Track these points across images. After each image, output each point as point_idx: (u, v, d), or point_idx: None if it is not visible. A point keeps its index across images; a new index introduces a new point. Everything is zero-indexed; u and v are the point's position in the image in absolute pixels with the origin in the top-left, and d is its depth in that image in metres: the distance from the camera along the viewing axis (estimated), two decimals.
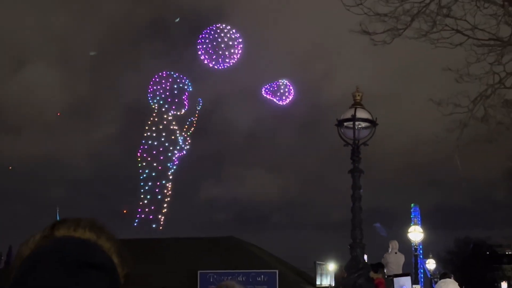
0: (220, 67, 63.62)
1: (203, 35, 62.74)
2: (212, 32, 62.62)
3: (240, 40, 63.15)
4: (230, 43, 62.06)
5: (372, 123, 12.07)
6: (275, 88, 64.72)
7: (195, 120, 63.55)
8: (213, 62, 62.43)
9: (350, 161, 11.92)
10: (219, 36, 62.17)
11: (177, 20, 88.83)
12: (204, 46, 62.43)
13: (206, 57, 62.39)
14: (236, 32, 63.34)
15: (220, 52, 61.67)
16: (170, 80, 62.08)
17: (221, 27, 63.18)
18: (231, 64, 63.44)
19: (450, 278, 13.06)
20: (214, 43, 61.89)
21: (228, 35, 62.41)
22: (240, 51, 63.19)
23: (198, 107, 64.28)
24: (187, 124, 62.66)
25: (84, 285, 1.09)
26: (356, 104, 12.05)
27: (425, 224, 52.81)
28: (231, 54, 62.30)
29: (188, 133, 62.75)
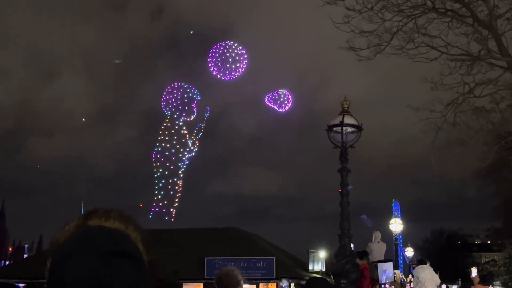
0: (227, 79, 64.06)
1: (213, 50, 63.34)
2: (221, 48, 63.10)
3: (245, 55, 63.55)
4: (237, 57, 62.46)
5: (358, 128, 12.12)
6: (276, 97, 64.81)
7: (203, 126, 63.80)
8: (221, 74, 62.87)
9: (339, 162, 12.00)
10: (227, 51, 62.62)
11: (191, 32, 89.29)
12: (214, 60, 62.85)
13: (215, 69, 62.83)
14: (242, 48, 63.82)
15: (228, 65, 62.05)
16: (181, 90, 62.44)
17: (229, 43, 63.67)
18: (237, 76, 64.00)
19: (426, 264, 13.05)
20: (223, 57, 62.34)
21: (235, 51, 62.82)
22: (245, 65, 63.62)
23: (206, 114, 64.60)
24: (196, 129, 62.99)
25: (115, 272, 1.08)
26: (344, 112, 12.10)
27: (405, 217, 52.90)
28: (237, 67, 62.74)
29: (197, 138, 62.99)
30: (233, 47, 63.27)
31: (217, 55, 62.73)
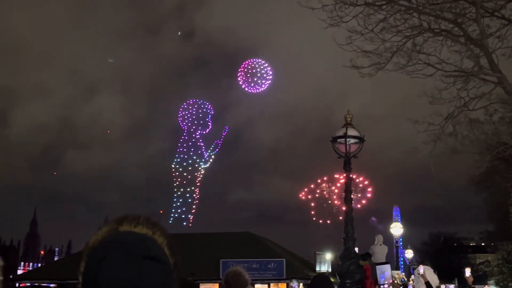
0: (253, 92, 64.94)
1: (244, 65, 64.41)
2: (251, 64, 64.14)
3: (271, 72, 64.23)
4: (264, 74, 63.27)
5: (360, 139, 12.08)
6: (251, 71, 64.97)
7: (219, 143, 64.14)
8: (248, 87, 63.78)
9: (347, 170, 11.96)
10: (254, 68, 63.54)
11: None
12: (243, 73, 63.77)
13: (244, 82, 63.74)
14: (269, 65, 64.71)
15: (255, 79, 62.76)
16: (196, 106, 62.81)
17: (258, 61, 64.77)
18: (263, 90, 64.99)
19: (427, 265, 12.93)
20: (252, 71, 63.32)
21: (263, 67, 63.75)
22: (270, 81, 64.28)
23: (224, 132, 64.87)
24: (213, 146, 63.35)
25: (147, 275, 1.10)
26: (347, 124, 12.08)
27: (405, 221, 52.47)
28: (263, 82, 63.65)
29: (213, 153, 63.25)
30: (261, 64, 64.12)
31: (246, 69, 63.69)
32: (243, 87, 65.14)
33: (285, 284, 33.53)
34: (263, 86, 63.74)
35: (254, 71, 63.64)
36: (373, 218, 46.63)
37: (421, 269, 9.48)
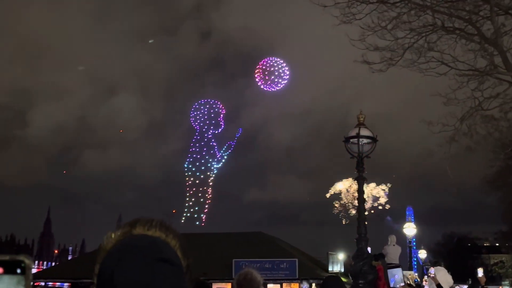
0: (270, 90, 64.48)
1: (261, 64, 63.99)
2: (267, 63, 63.76)
3: (288, 71, 63.73)
4: (281, 73, 62.78)
5: (373, 139, 12.01)
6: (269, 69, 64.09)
7: (232, 144, 64.13)
8: (266, 86, 63.33)
9: (360, 170, 11.84)
10: (272, 66, 63.15)
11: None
12: (260, 72, 63.36)
13: (261, 80, 63.28)
14: (286, 65, 64.24)
15: (273, 78, 62.35)
16: (207, 106, 62.80)
17: (274, 59, 64.31)
18: (279, 89, 64.52)
19: (441, 266, 12.83)
20: (269, 69, 62.84)
21: (280, 66, 63.30)
22: (286, 80, 63.78)
23: (237, 134, 64.91)
24: (225, 146, 63.38)
25: (161, 277, 1.12)
26: (360, 124, 12.01)
27: (419, 221, 52.21)
28: (279, 82, 63.16)
29: (225, 154, 63.28)
30: (279, 63, 63.70)
31: (264, 67, 63.25)
32: (259, 85, 64.79)
33: (297, 284, 33.47)
34: (279, 85, 63.29)
35: (271, 69, 63.27)
36: (388, 218, 46.45)
37: (432, 271, 9.43)
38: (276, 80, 62.63)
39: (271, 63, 63.83)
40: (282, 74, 62.82)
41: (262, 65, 64.15)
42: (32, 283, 0.96)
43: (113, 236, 1.24)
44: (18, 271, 0.91)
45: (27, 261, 0.94)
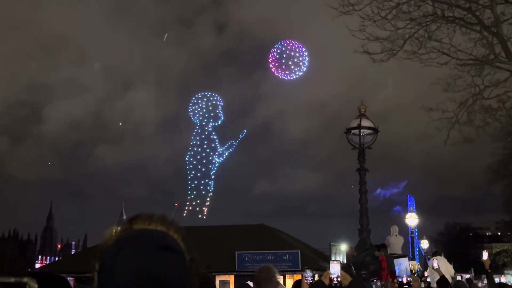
0: (285, 78, 58.28)
1: (278, 46, 57.45)
2: (286, 45, 57.38)
3: (307, 59, 57.56)
4: (300, 58, 56.71)
5: (375, 130, 11.95)
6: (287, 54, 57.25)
7: (235, 143, 63.89)
8: (280, 73, 57.07)
9: (362, 162, 11.75)
10: (291, 50, 56.70)
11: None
12: (276, 55, 57.23)
13: (275, 66, 56.74)
14: (305, 50, 57.61)
15: (290, 63, 56.56)
16: (205, 99, 62.59)
17: (294, 43, 57.41)
18: (297, 76, 57.88)
19: (441, 255, 12.84)
20: (286, 54, 56.77)
21: (298, 52, 56.83)
22: (304, 70, 57.49)
23: (241, 135, 64.80)
24: (227, 145, 63.30)
25: (164, 264, 1.11)
26: (361, 115, 11.96)
27: (420, 210, 52.23)
28: (298, 66, 56.70)
29: (226, 152, 63.24)
30: (297, 48, 56.93)
31: (279, 51, 56.60)
32: (273, 70, 57.85)
33: (300, 275, 33.57)
34: (296, 73, 56.74)
35: (290, 54, 56.56)
36: (398, 207, 46.32)
37: (435, 262, 9.42)
38: (293, 67, 56.56)
39: (291, 47, 57.06)
40: (300, 63, 56.62)
41: (279, 48, 57.25)
42: None
43: (113, 232, 1.23)
44: None
45: (31, 283, 0.94)
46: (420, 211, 50.66)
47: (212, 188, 63.38)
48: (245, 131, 66.05)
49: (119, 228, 1.24)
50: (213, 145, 63.27)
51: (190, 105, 64.06)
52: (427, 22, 13.73)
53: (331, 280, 4.89)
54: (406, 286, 4.53)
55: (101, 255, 1.18)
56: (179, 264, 1.15)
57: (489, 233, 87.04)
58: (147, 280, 1.08)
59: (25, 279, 0.94)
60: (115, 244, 1.17)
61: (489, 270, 9.22)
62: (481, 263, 9.40)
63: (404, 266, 12.16)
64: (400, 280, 4.77)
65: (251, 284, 5.44)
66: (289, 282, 33.39)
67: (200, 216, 61.05)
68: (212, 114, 63.21)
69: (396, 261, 11.55)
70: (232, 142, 64.28)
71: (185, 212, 61.58)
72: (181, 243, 1.22)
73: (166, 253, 1.13)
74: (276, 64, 57.16)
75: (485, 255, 9.62)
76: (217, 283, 30.08)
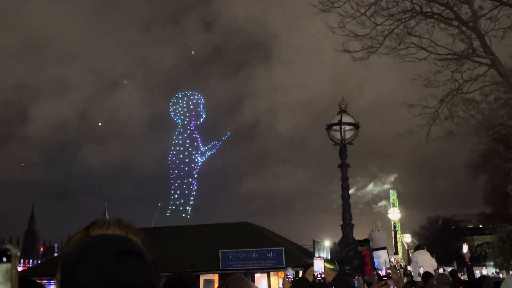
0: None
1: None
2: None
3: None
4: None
5: (355, 126, 12.00)
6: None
7: (218, 144, 63.96)
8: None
9: (343, 157, 11.80)
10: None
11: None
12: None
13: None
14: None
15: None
16: (185, 98, 62.46)
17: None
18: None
19: (423, 249, 12.97)
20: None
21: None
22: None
23: (224, 137, 64.94)
24: (210, 145, 63.30)
25: (127, 269, 1.09)
26: (342, 111, 11.99)
27: (402, 205, 52.74)
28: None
29: (209, 152, 63.22)
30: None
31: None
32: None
33: (283, 273, 33.66)
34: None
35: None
36: (381, 202, 46.48)
37: (421, 270, 9.46)
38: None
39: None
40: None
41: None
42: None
43: (71, 242, 1.20)
44: (4, 259, 0.92)
45: (13, 249, 0.94)
46: (402, 206, 51.17)
47: (195, 187, 63.17)
48: (228, 133, 66.23)
49: (77, 236, 1.21)
50: (195, 144, 63.18)
51: (170, 105, 63.89)
52: (405, 18, 13.83)
53: (314, 277, 4.88)
54: (386, 278, 4.52)
55: (62, 265, 1.15)
56: (141, 266, 1.13)
57: (471, 226, 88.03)
58: (112, 286, 1.06)
59: (7, 245, 0.94)
60: (75, 252, 1.14)
61: (469, 263, 9.30)
62: (463, 256, 9.48)
63: (383, 258, 12.26)
64: (379, 272, 4.74)
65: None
66: (274, 279, 33.48)
67: (183, 215, 60.85)
68: (193, 113, 63.09)
69: (375, 253, 11.63)
70: (215, 143, 64.31)
71: (168, 211, 61.32)
72: (140, 245, 1.20)
73: (128, 257, 1.11)
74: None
75: (465, 248, 9.70)
76: (201, 282, 30.02)
